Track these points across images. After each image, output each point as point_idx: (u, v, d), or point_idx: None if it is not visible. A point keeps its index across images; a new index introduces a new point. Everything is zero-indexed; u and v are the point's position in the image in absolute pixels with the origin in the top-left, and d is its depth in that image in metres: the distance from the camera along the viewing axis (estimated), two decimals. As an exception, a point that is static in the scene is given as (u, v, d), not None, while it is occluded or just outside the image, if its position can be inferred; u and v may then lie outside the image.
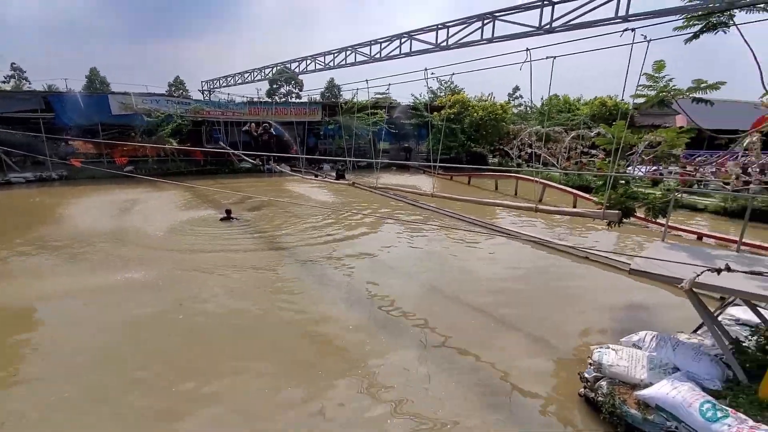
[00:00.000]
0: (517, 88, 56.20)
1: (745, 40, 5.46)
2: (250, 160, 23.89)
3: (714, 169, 14.32)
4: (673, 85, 6.36)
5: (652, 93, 6.38)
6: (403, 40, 10.54)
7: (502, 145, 27.14)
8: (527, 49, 6.72)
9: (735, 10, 5.56)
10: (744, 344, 5.06)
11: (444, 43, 8.93)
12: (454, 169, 24.84)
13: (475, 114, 27.48)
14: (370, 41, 12.31)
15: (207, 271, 9.13)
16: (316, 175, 24.32)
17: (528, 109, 35.72)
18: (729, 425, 4.05)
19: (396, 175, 26.61)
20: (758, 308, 5.14)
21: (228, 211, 13.77)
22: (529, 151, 22.95)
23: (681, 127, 7.57)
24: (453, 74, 9.28)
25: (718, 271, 4.30)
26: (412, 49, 10.30)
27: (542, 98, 34.85)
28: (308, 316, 7.30)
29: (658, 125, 20.01)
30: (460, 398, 5.21)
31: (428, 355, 6.13)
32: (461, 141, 27.99)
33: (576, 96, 33.04)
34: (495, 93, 30.86)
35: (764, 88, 5.47)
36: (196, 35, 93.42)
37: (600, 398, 4.96)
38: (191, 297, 7.85)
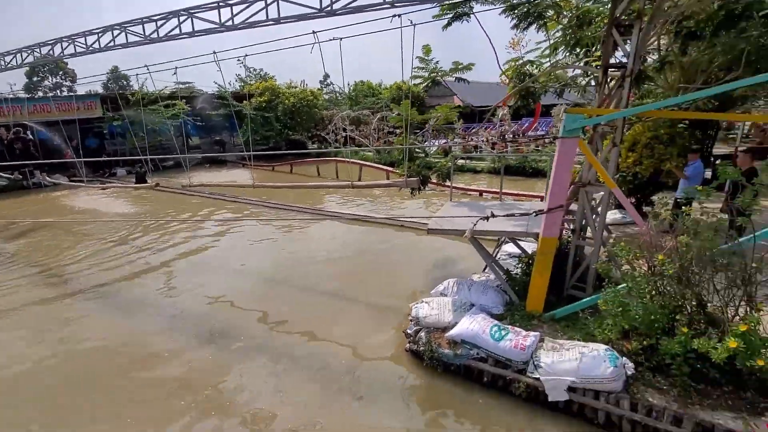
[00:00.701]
0: (327, 75, 57.69)
1: (483, 29, 6.66)
2: (4, 175, 18.08)
3: (483, 138, 17.73)
4: (441, 67, 7.33)
5: (426, 74, 7.22)
6: (182, 17, 9.31)
7: (319, 131, 27.58)
8: (314, 32, 6.74)
9: (474, 3, 6.70)
10: (513, 273, 6.37)
11: (230, 23, 8.26)
12: (273, 158, 24.08)
13: (287, 101, 27.03)
14: (143, 18, 10.47)
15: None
16: (103, 182, 20.19)
17: (338, 95, 37.16)
18: (510, 339, 5.04)
19: (211, 172, 24.23)
20: (518, 242, 6.51)
21: (-33, 247, 10.09)
22: (344, 134, 23.96)
23: (458, 106, 8.91)
24: (246, 56, 8.77)
25: (487, 218, 5.22)
26: (196, 29, 9.21)
27: (348, 84, 36.80)
28: (123, 356, 5.98)
29: (453, 105, 23.53)
30: (315, 398, 5.07)
31: (278, 360, 5.79)
32: (277, 129, 27.25)
33: (378, 81, 35.96)
34: (307, 80, 30.97)
35: (499, 68, 6.81)
36: None
37: (421, 348, 5.54)
38: None
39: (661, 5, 4.90)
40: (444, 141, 19.48)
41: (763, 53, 7.37)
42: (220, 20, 8.42)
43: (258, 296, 7.83)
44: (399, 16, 5.74)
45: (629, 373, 4.41)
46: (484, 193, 14.37)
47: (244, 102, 26.85)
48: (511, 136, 17.32)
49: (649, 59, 8.70)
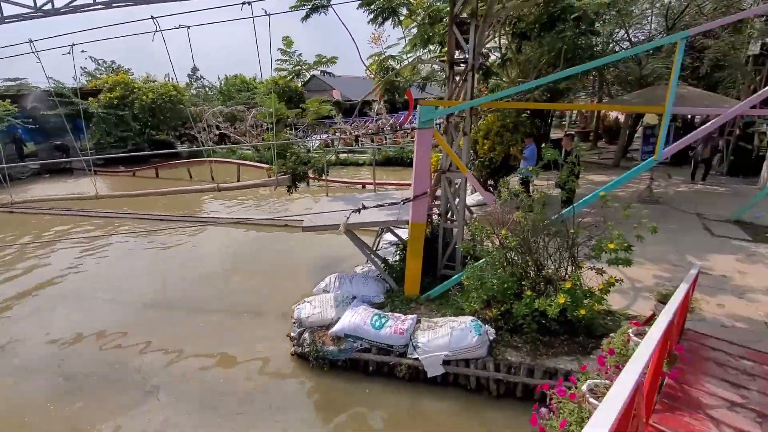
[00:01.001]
0: (196, 69, 52.59)
1: (342, 22, 6.65)
2: None
3: (365, 131, 18.10)
4: (305, 60, 7.16)
5: (290, 67, 6.99)
6: (-18, -1, 7.44)
7: (188, 130, 25.01)
8: (152, 17, 5.99)
9: (330, -5, 6.63)
10: (391, 261, 6.59)
11: (48, 6, 6.84)
12: (135, 162, 21.20)
13: (145, 97, 23.90)
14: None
15: None
16: None
17: (207, 89, 34.19)
18: (390, 326, 5.20)
19: (53, 183, 20.31)
20: (394, 230, 6.75)
21: None
22: (218, 132, 22.17)
23: (337, 101, 8.81)
24: (73, 45, 7.46)
25: (358, 211, 5.27)
26: (5, 14, 7.45)
27: (219, 78, 34.19)
28: None
29: (327, 100, 23.29)
30: (206, 427, 4.55)
31: (161, 396, 5.08)
32: (136, 129, 23.96)
33: (252, 75, 34.05)
34: (178, 74, 27.31)
35: (362, 62, 6.91)
36: None
37: (306, 349, 5.40)
38: None
39: (492, 6, 5.46)
40: (326, 135, 19.38)
41: (578, 52, 8.83)
42: (35, 4, 6.93)
43: (133, 327, 6.66)
44: (249, 3, 5.39)
45: (492, 337, 4.90)
46: (366, 185, 14.69)
47: (90, 99, 22.98)
48: (389, 128, 18.00)
49: (492, 57, 9.78)
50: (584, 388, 2.55)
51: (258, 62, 5.75)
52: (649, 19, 13.51)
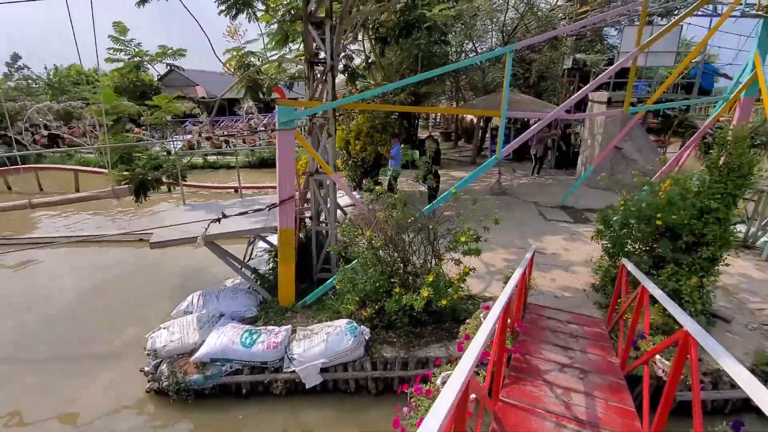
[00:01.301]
0: (17, 56, 42.49)
1: (188, 9, 5.98)
2: None
3: (236, 132, 16.87)
4: (146, 51, 6.27)
5: (126, 57, 6.05)
6: None
7: (5, 130, 20.05)
8: None
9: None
10: (261, 270, 6.21)
11: None
12: None
13: (-66, 89, 18.51)
14: None
15: None
16: None
17: (31, 82, 28.02)
18: (262, 341, 4.86)
19: None
20: (264, 237, 6.37)
21: None
22: (46, 133, 18.29)
23: (201, 98, 7.84)
24: None
25: (218, 220, 4.80)
26: None
27: (46, 68, 28.33)
28: None
29: (184, 96, 21.04)
30: None
31: None
32: None
33: (92, 67, 28.99)
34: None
35: (216, 56, 6.34)
36: None
37: (165, 383, 4.73)
38: None
39: (347, 8, 5.49)
40: (189, 136, 17.50)
41: (433, 59, 9.52)
42: None
43: None
44: (59, -20, 4.45)
45: (367, 337, 4.94)
46: (237, 190, 13.70)
47: None
48: (262, 127, 17.10)
49: (358, 60, 10.00)
50: (438, 382, 2.69)
51: (76, 49, 4.79)
52: (490, 34, 15.42)
